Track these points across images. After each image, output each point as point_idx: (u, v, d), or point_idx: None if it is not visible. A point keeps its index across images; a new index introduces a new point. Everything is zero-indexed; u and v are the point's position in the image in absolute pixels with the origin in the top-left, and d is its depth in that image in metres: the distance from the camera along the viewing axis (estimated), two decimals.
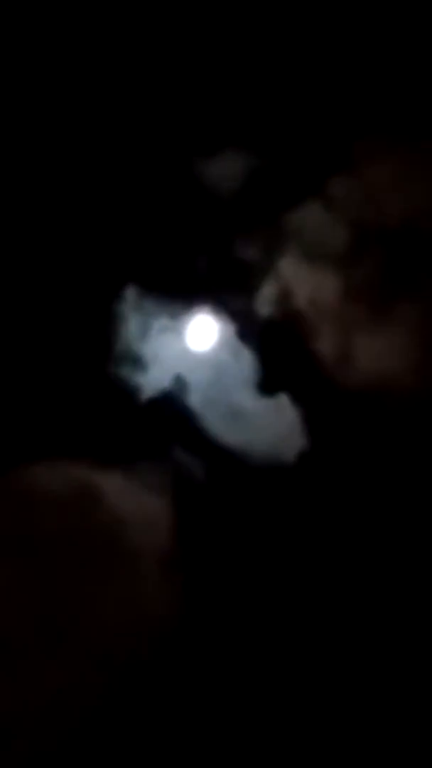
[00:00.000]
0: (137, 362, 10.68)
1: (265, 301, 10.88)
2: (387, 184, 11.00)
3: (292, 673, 10.15)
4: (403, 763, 9.92)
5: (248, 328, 10.78)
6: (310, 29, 11.02)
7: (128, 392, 10.66)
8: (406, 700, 10.07)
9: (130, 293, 10.69)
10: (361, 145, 11.05)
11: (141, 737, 9.84)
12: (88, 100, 10.94)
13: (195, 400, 10.64)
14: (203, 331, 10.79)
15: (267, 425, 10.55)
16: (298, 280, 10.91)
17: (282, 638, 10.23)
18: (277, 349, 10.78)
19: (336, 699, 10.08)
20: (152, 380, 10.68)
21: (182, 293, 10.77)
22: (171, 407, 10.68)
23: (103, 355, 10.68)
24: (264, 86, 11.06)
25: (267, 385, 10.67)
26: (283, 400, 10.62)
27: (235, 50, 11.02)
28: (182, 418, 10.64)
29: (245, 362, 10.68)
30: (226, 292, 10.85)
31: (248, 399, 10.62)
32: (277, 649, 10.21)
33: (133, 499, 10.34)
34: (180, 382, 10.70)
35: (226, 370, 10.68)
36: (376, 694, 10.10)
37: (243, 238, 10.97)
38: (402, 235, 10.97)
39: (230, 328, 10.76)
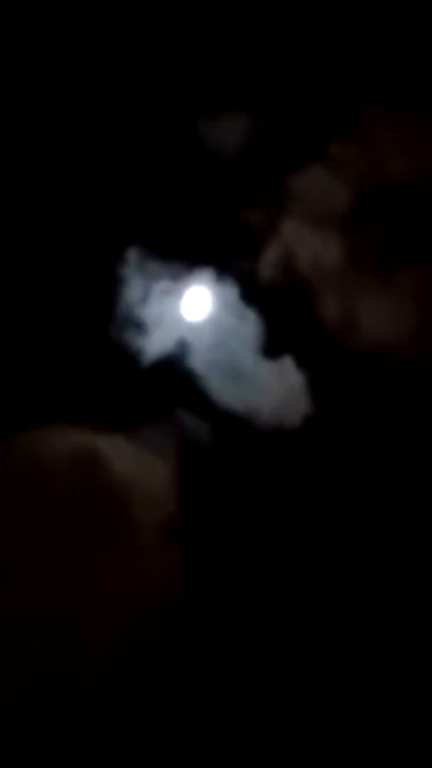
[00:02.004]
0: (139, 326, 10.42)
1: (268, 265, 10.64)
2: (390, 148, 10.79)
3: (295, 646, 9.97)
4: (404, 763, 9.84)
5: (251, 291, 10.53)
6: None
7: (131, 356, 10.41)
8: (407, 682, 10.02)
9: (133, 255, 10.43)
10: (364, 107, 10.81)
11: (144, 708, 9.67)
12: (90, 64, 10.66)
13: (198, 363, 10.38)
14: (206, 294, 10.55)
15: (271, 388, 10.32)
16: (301, 244, 10.68)
17: (286, 608, 10.05)
18: (280, 313, 10.55)
19: (336, 670, 9.93)
20: (155, 344, 10.41)
21: (185, 256, 10.51)
22: (174, 371, 10.44)
23: (104, 319, 10.43)
24: (266, 49, 10.80)
25: (271, 349, 10.44)
26: (287, 364, 10.39)
27: (238, 13, 10.76)
28: (186, 382, 10.41)
29: (249, 325, 10.43)
30: (228, 255, 10.60)
31: (252, 362, 10.37)
32: (280, 619, 10.03)
33: (136, 464, 10.11)
34: (183, 345, 10.46)
35: (229, 333, 10.43)
36: (374, 667, 10.00)
37: (246, 200, 10.73)
38: (405, 198, 10.75)
39: (233, 291, 10.50)
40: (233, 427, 10.30)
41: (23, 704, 9.35)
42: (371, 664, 9.93)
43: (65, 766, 9.42)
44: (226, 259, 10.56)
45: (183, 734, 9.67)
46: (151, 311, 10.44)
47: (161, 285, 10.46)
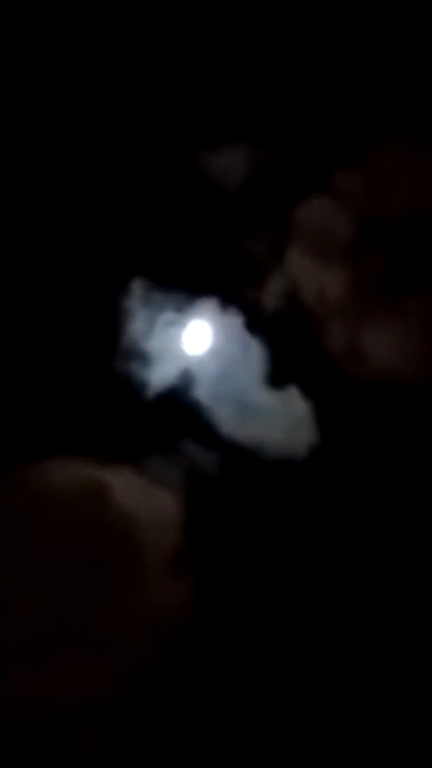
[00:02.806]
0: (144, 357, 10.35)
1: (272, 295, 10.59)
2: (394, 178, 10.74)
3: (301, 672, 9.83)
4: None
5: (256, 322, 10.46)
6: (316, 25, 10.78)
7: (135, 387, 10.33)
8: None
9: (137, 287, 10.37)
10: (368, 138, 10.80)
11: (151, 733, 9.51)
12: (94, 95, 10.65)
13: (203, 394, 10.30)
14: (210, 325, 10.48)
15: (277, 418, 10.22)
16: (304, 274, 10.63)
17: (293, 637, 9.92)
18: (285, 343, 10.48)
19: (343, 701, 9.79)
20: (160, 375, 10.33)
21: (189, 287, 10.46)
22: (179, 402, 10.35)
23: (109, 350, 10.36)
24: (269, 79, 10.79)
25: (276, 379, 10.35)
26: (293, 393, 10.30)
27: (241, 44, 10.77)
28: (191, 413, 10.32)
29: (254, 355, 10.36)
30: (232, 286, 10.54)
31: (258, 392, 10.28)
32: (287, 648, 9.89)
33: (142, 496, 10.01)
34: (188, 376, 10.38)
35: (234, 363, 10.36)
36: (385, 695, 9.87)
37: (249, 231, 10.68)
38: (409, 228, 10.72)
39: (237, 322, 10.43)
40: (239, 458, 10.20)
41: (30, 739, 9.23)
42: (377, 704, 9.80)
43: None
44: (230, 290, 10.50)
45: (189, 757, 9.53)
46: (155, 342, 10.37)
47: (166, 316, 10.40)
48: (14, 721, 9.31)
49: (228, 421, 10.22)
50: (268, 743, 9.66)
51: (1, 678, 9.35)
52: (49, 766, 9.28)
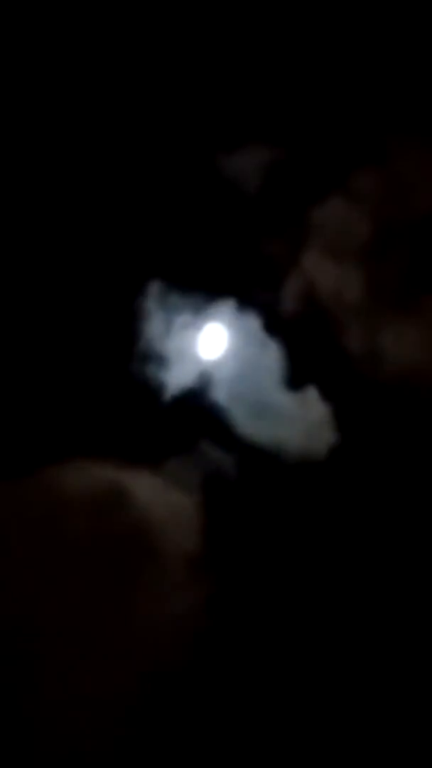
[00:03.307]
0: (162, 359, 10.29)
1: (290, 296, 10.51)
2: (412, 178, 10.67)
3: (321, 679, 9.74)
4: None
5: (274, 323, 10.39)
6: (334, 25, 10.72)
7: (153, 390, 10.27)
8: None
9: (154, 289, 10.32)
10: (385, 139, 10.72)
11: (168, 736, 9.44)
12: (113, 99, 10.62)
13: (221, 396, 10.23)
14: (228, 327, 10.41)
15: (296, 420, 10.14)
16: (322, 275, 10.55)
17: (311, 641, 9.83)
18: (303, 344, 10.40)
19: (361, 704, 9.71)
20: (178, 377, 10.27)
21: (206, 289, 10.39)
22: (197, 404, 10.28)
23: (127, 353, 10.31)
24: (286, 81, 10.74)
25: (294, 380, 10.28)
26: (312, 395, 10.22)
27: (259, 45, 10.72)
28: (209, 415, 10.25)
29: (272, 357, 10.28)
30: (250, 287, 10.48)
31: (276, 394, 10.21)
32: (306, 651, 9.81)
33: (161, 498, 9.94)
34: (206, 378, 10.31)
35: (252, 365, 10.28)
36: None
37: (267, 232, 10.62)
38: (427, 228, 10.65)
39: (255, 323, 10.36)
40: (258, 460, 10.12)
41: (47, 740, 9.17)
42: (398, 703, 9.71)
43: None
44: (248, 292, 10.43)
45: (206, 763, 9.46)
46: (173, 344, 10.31)
47: (183, 318, 10.34)
48: (34, 721, 9.28)
49: (246, 423, 10.15)
50: (287, 745, 9.58)
51: (20, 679, 9.31)
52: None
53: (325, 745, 9.57)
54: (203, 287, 10.37)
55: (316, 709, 9.63)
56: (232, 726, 9.56)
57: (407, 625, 9.86)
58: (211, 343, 10.40)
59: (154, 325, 10.30)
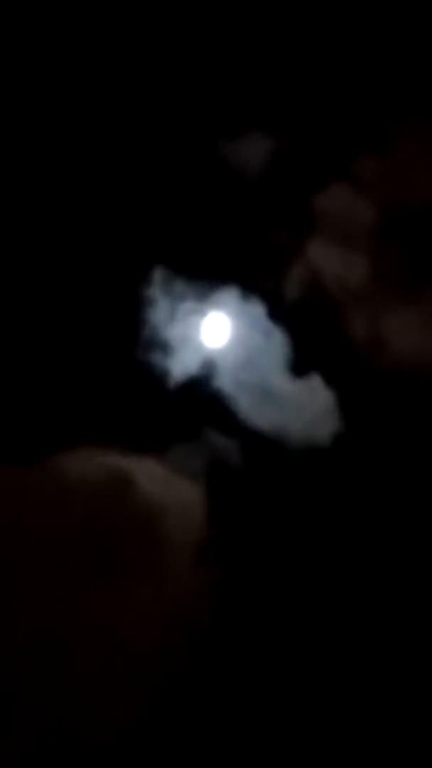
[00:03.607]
0: (166, 346, 10.26)
1: (294, 283, 10.48)
2: (415, 165, 10.64)
3: (326, 666, 9.74)
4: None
5: (277, 311, 10.37)
6: (337, 11, 10.67)
7: (157, 377, 10.24)
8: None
9: (158, 276, 10.28)
10: (388, 126, 10.69)
11: (172, 724, 9.44)
12: (116, 85, 10.56)
13: (226, 383, 10.21)
14: (232, 314, 10.38)
15: (300, 407, 10.12)
16: (326, 262, 10.52)
17: (317, 628, 9.82)
18: (307, 331, 10.37)
19: (368, 690, 9.71)
20: (182, 364, 10.23)
21: (210, 276, 10.36)
22: (201, 391, 10.25)
23: (131, 340, 10.27)
24: (289, 68, 10.69)
25: (298, 367, 10.25)
26: (316, 382, 10.20)
27: (261, 32, 10.67)
28: (213, 402, 10.23)
29: (276, 344, 10.25)
30: (254, 274, 10.44)
31: (280, 381, 10.18)
32: (311, 639, 9.80)
33: (165, 485, 9.92)
34: (210, 365, 10.28)
35: (256, 352, 10.25)
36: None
37: (270, 219, 10.59)
38: (429, 215, 10.63)
39: (259, 310, 10.33)
40: (262, 447, 10.10)
41: (50, 726, 9.17)
42: (404, 683, 9.71)
43: None
44: (252, 279, 10.40)
45: (211, 754, 9.45)
46: (177, 332, 10.27)
47: (187, 305, 10.30)
48: (36, 708, 9.27)
49: (250, 410, 10.12)
50: (291, 732, 9.58)
51: (24, 665, 9.30)
52: (69, 752, 9.23)
53: (329, 732, 9.57)
54: (207, 274, 10.33)
55: (321, 695, 9.63)
56: (237, 713, 9.56)
57: (409, 612, 9.86)
58: (215, 330, 10.37)
59: (158, 313, 10.27)
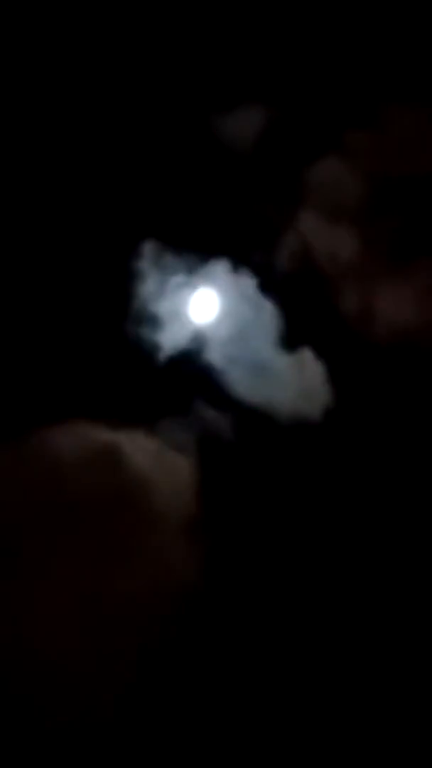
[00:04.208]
0: (156, 320, 10.17)
1: (285, 256, 10.40)
2: (406, 139, 10.55)
3: (315, 640, 9.67)
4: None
5: (268, 284, 10.28)
6: None
7: (147, 350, 10.15)
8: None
9: (148, 249, 10.19)
10: (379, 99, 10.61)
11: (160, 697, 9.38)
12: (107, 61, 10.45)
13: (216, 356, 10.12)
14: (223, 287, 10.29)
15: (291, 380, 10.04)
16: (317, 235, 10.44)
17: (306, 602, 9.76)
18: (298, 304, 10.29)
19: (356, 665, 9.65)
20: (172, 338, 10.15)
21: (200, 249, 10.27)
22: (192, 365, 10.17)
23: (121, 314, 10.18)
24: (280, 41, 10.58)
25: (289, 341, 10.17)
26: (307, 355, 10.12)
27: (255, 5, 10.57)
28: (204, 376, 10.15)
29: (266, 318, 10.17)
30: (245, 247, 10.35)
31: (271, 354, 10.10)
32: (300, 613, 9.73)
33: (156, 459, 9.84)
34: (200, 339, 10.20)
35: (247, 326, 10.17)
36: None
37: (261, 192, 10.50)
38: (421, 189, 10.53)
39: (250, 284, 10.25)
40: (253, 420, 10.03)
41: (45, 698, 9.12)
42: (391, 659, 9.66)
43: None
44: (243, 252, 10.31)
45: (201, 728, 9.39)
46: (167, 305, 10.18)
47: (177, 278, 10.22)
48: (28, 680, 9.22)
49: (241, 384, 10.04)
50: (277, 710, 9.53)
51: (15, 639, 9.25)
52: (58, 726, 9.18)
53: (321, 706, 9.52)
54: (198, 248, 10.24)
55: (313, 671, 9.58)
56: (228, 688, 9.51)
57: (403, 585, 9.80)
58: (205, 303, 10.28)
59: (148, 286, 10.18)
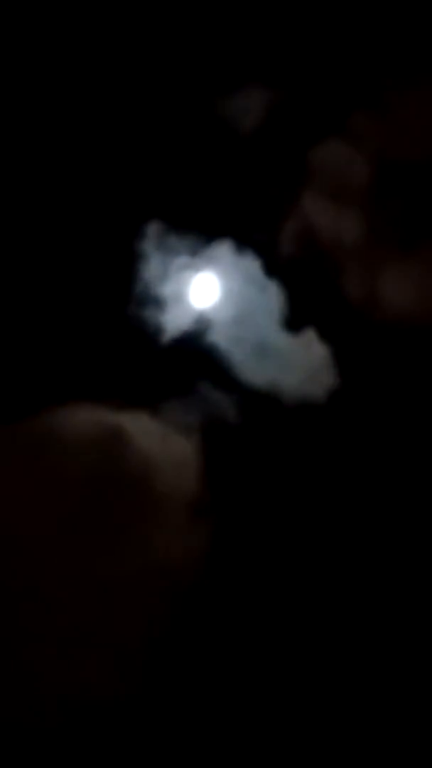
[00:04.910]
0: (159, 301, 10.10)
1: (289, 238, 10.32)
2: (412, 120, 10.46)
3: (320, 626, 9.60)
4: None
5: (272, 265, 10.20)
6: None
7: (151, 332, 10.08)
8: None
9: (152, 230, 10.12)
10: (385, 80, 10.52)
11: (165, 679, 9.31)
12: (109, 41, 10.37)
13: (220, 338, 10.05)
14: (226, 269, 10.22)
15: (295, 362, 9.96)
16: (321, 217, 10.36)
17: (311, 586, 9.68)
18: (302, 286, 10.21)
19: (363, 652, 9.59)
20: (175, 319, 10.07)
21: (204, 230, 10.20)
22: (195, 346, 10.10)
23: (124, 295, 10.11)
24: (284, 21, 10.50)
25: (294, 322, 10.09)
26: (311, 336, 10.04)
27: None
28: (207, 358, 10.07)
29: (271, 299, 10.09)
30: (249, 229, 10.27)
31: (275, 336, 10.02)
32: (305, 597, 9.66)
33: (160, 441, 9.78)
34: (204, 320, 10.13)
35: (251, 307, 10.09)
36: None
37: (265, 174, 10.42)
38: (427, 171, 10.47)
39: (254, 265, 10.16)
40: (257, 402, 9.95)
41: (43, 681, 9.06)
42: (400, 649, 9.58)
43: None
44: (247, 233, 10.23)
45: (202, 717, 9.32)
46: (170, 286, 10.11)
47: (181, 260, 10.14)
48: (29, 662, 9.17)
49: (245, 365, 9.96)
50: (286, 688, 9.46)
51: (17, 622, 9.19)
52: (61, 708, 9.13)
53: (323, 690, 9.46)
54: (201, 229, 10.17)
55: (319, 653, 9.51)
56: (233, 669, 9.45)
57: (409, 566, 9.74)
58: (209, 285, 10.21)
59: (151, 267, 10.10)
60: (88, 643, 9.24)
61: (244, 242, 10.18)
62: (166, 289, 10.08)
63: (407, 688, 9.49)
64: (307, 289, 10.17)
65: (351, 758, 9.33)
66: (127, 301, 10.07)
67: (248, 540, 9.72)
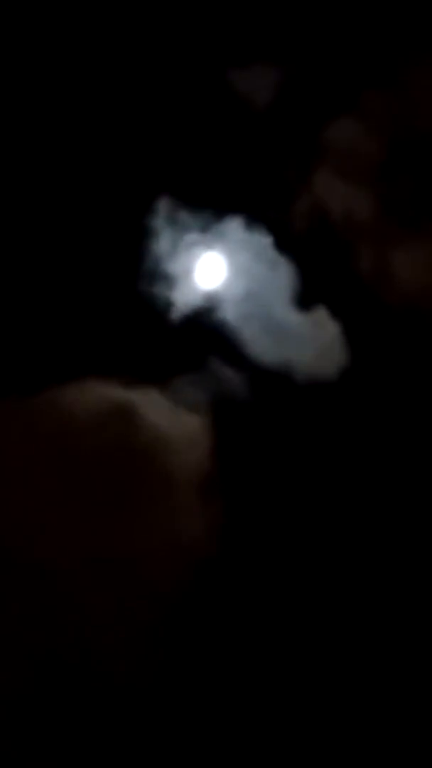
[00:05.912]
0: (171, 277, 10.02)
1: (300, 215, 10.23)
2: (424, 98, 10.39)
3: (332, 604, 9.55)
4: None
5: (284, 242, 10.10)
6: None
7: (162, 308, 10.00)
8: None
9: (163, 206, 10.04)
10: (396, 58, 10.42)
11: (178, 656, 9.27)
12: (122, 13, 10.31)
13: (231, 314, 9.97)
14: (237, 245, 10.13)
15: (306, 339, 9.88)
16: (333, 194, 10.26)
17: (322, 563, 9.63)
18: (313, 263, 10.13)
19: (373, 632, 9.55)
20: (186, 296, 9.99)
21: (216, 206, 10.11)
22: (206, 323, 10.02)
23: (135, 271, 10.03)
24: None
25: (304, 300, 10.01)
26: (322, 314, 9.96)
27: None
28: (218, 335, 10.00)
29: (282, 276, 10.00)
30: (260, 206, 10.18)
31: (286, 313, 9.93)
32: (316, 574, 9.61)
33: (170, 418, 9.71)
34: (215, 297, 10.05)
35: (262, 284, 10.00)
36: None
37: (277, 150, 10.32)
38: None
39: (265, 242, 10.07)
40: (267, 379, 9.87)
41: (58, 656, 9.02)
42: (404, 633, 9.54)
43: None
44: (258, 210, 10.14)
45: (214, 693, 9.27)
46: (181, 263, 10.02)
47: (192, 236, 10.06)
48: (42, 642, 9.12)
49: (256, 343, 9.88)
50: (294, 671, 9.42)
51: (28, 598, 9.15)
52: (76, 688, 9.10)
53: (329, 672, 9.41)
54: (212, 205, 10.08)
55: (326, 634, 9.46)
56: (240, 646, 9.40)
57: (415, 549, 9.68)
58: (220, 261, 10.13)
59: (162, 243, 10.02)
60: (100, 620, 9.19)
61: (255, 219, 10.09)
62: (177, 266, 10.00)
63: (410, 664, 9.45)
64: (319, 267, 10.09)
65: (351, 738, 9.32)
66: (137, 277, 9.99)
67: (258, 516, 9.65)
